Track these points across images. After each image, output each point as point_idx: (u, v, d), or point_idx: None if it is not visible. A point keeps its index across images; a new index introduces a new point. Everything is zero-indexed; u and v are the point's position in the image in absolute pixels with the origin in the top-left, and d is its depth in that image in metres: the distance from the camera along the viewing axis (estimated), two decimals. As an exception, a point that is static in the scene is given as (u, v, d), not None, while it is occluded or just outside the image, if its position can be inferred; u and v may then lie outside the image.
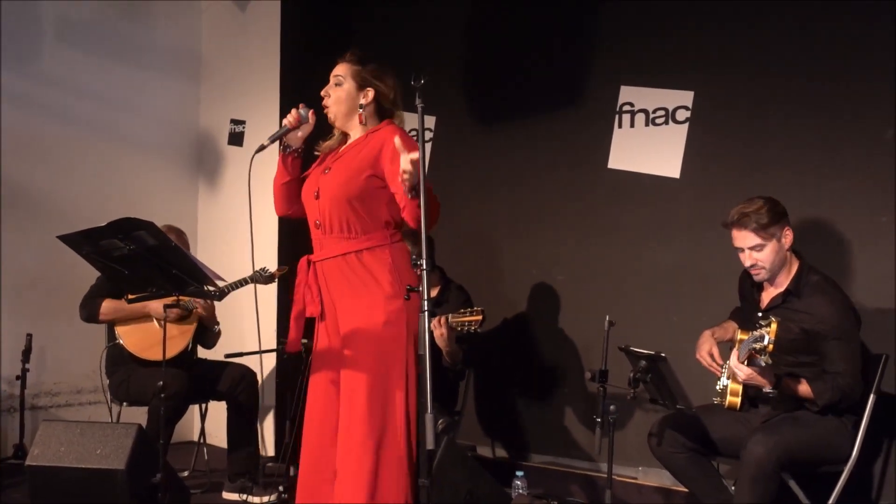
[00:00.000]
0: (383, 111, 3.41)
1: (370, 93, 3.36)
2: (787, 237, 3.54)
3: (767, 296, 3.65)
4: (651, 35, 4.76)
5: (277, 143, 3.41)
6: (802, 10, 4.29)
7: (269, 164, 3.47)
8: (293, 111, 3.37)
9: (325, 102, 3.40)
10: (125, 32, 5.87)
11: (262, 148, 3.30)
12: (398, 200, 3.17)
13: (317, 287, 3.36)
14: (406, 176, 2.93)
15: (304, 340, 4.52)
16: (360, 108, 3.36)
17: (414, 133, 5.64)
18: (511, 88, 5.33)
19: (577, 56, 5.04)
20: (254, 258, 3.59)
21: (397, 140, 3.03)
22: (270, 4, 5.84)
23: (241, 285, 4.59)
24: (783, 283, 3.59)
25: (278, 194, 3.51)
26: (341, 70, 3.38)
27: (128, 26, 5.88)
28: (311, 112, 3.40)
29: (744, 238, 3.53)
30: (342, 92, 3.36)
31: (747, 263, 3.57)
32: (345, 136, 3.46)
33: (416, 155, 2.88)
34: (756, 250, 3.52)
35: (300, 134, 3.42)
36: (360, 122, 3.37)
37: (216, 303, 4.68)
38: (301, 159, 3.47)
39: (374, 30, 5.96)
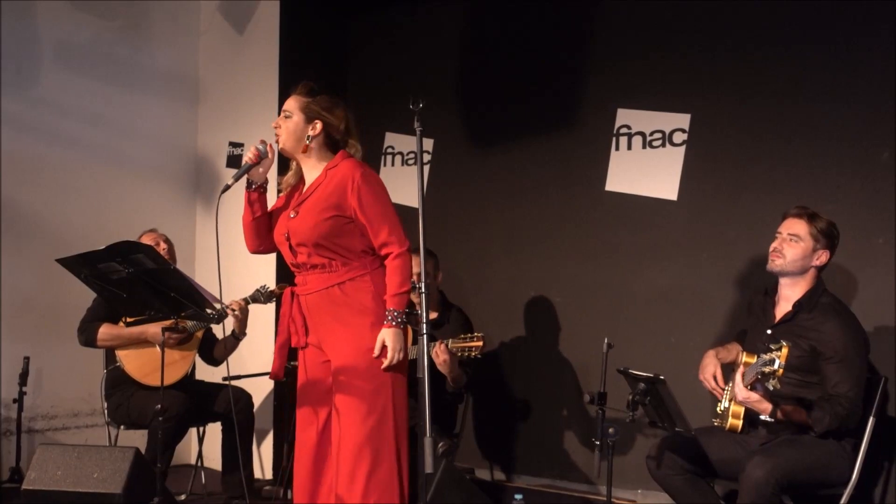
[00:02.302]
0: (334, 142, 3.48)
1: (318, 125, 3.42)
2: (821, 257, 3.58)
3: (780, 311, 3.66)
4: (648, 58, 4.78)
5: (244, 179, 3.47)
6: (799, 34, 4.32)
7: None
8: (252, 148, 3.43)
9: (276, 133, 3.46)
10: (123, 55, 5.88)
11: (227, 188, 3.38)
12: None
13: (301, 318, 3.43)
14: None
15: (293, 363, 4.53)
16: (308, 139, 3.41)
17: (413, 155, 5.66)
18: (509, 111, 5.35)
19: (574, 79, 5.06)
20: (221, 293, 3.58)
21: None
22: (268, 28, 5.87)
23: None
24: (796, 295, 3.61)
25: (249, 231, 3.54)
26: (290, 104, 3.46)
27: (126, 49, 5.89)
28: (269, 146, 3.46)
29: (792, 225, 3.60)
30: (291, 124, 3.42)
31: (774, 245, 3.62)
32: (300, 167, 3.51)
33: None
34: (792, 239, 3.58)
35: (262, 170, 3.46)
36: (304, 153, 3.42)
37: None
38: (265, 194, 3.52)
39: (372, 53, 5.98)
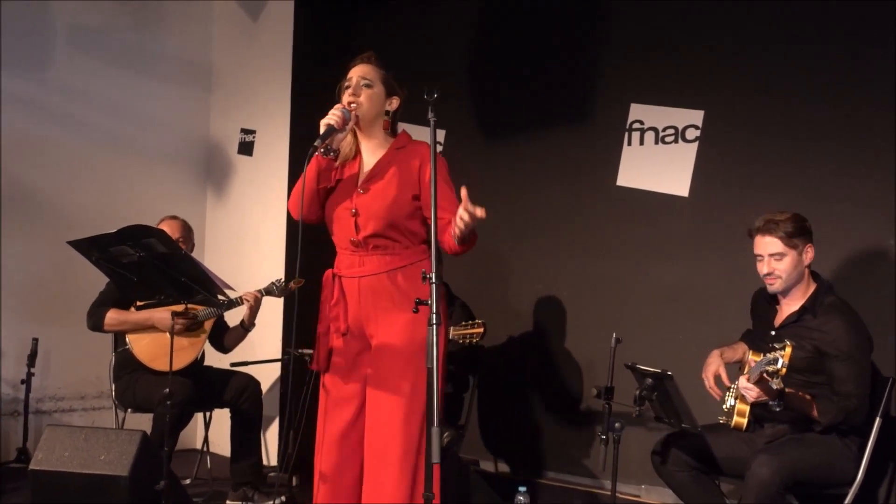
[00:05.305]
0: (395, 121, 3.34)
1: (395, 101, 3.28)
2: (808, 254, 3.53)
3: (783, 314, 3.65)
4: (662, 54, 4.78)
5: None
6: (812, 33, 4.31)
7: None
8: (337, 111, 3.12)
9: (356, 100, 3.20)
10: (137, 40, 5.90)
11: (314, 150, 3.10)
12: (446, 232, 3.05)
13: (344, 303, 3.25)
14: (461, 226, 2.89)
15: (310, 351, 4.54)
16: (387, 114, 3.27)
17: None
18: (521, 104, 5.35)
19: (587, 73, 5.06)
20: (292, 268, 3.51)
21: (464, 192, 2.88)
22: (283, 14, 5.87)
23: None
24: (800, 300, 3.58)
25: (306, 198, 3.21)
26: (369, 72, 3.25)
27: (140, 34, 5.91)
28: (352, 111, 3.18)
29: (767, 245, 3.53)
30: (374, 94, 3.23)
31: (764, 271, 3.55)
32: (356, 142, 3.30)
33: (482, 212, 2.83)
34: (776, 259, 3.52)
35: (341, 135, 3.19)
36: (385, 129, 3.28)
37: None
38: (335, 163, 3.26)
39: (385, 42, 5.96)
